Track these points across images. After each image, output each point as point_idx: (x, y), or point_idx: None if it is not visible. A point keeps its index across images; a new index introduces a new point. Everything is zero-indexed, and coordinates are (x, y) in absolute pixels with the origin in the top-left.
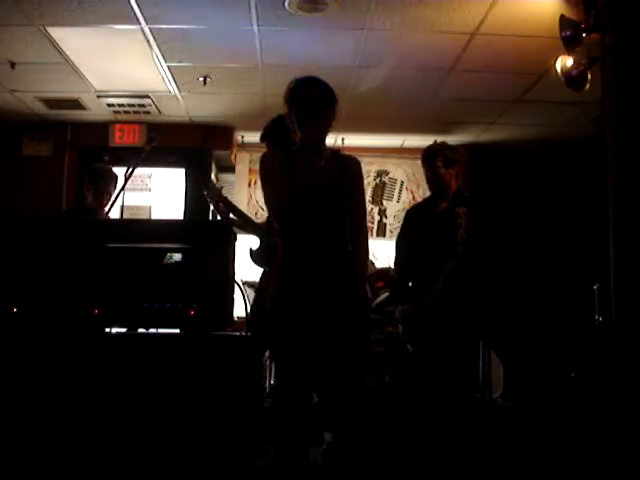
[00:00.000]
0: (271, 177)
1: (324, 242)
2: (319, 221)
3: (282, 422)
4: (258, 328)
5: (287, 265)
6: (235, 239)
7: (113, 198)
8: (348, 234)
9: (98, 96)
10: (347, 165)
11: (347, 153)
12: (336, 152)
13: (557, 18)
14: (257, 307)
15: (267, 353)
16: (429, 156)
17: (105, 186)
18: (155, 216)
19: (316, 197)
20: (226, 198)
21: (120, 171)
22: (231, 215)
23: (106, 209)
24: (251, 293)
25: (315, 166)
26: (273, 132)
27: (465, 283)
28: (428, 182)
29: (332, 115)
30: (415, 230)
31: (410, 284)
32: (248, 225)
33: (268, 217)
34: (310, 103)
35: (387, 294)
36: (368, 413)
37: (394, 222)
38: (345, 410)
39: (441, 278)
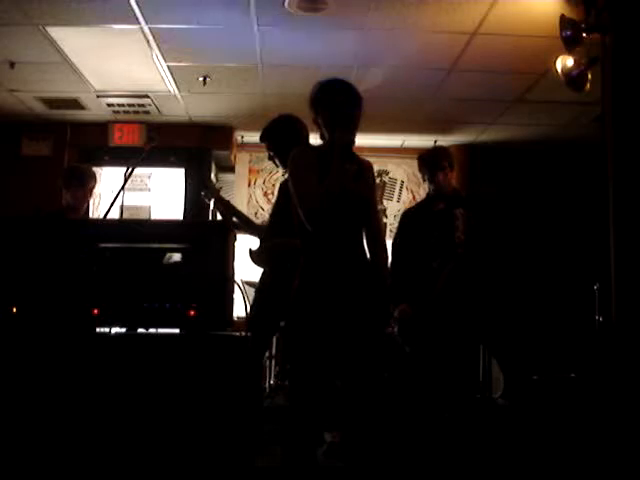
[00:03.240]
0: (307, 177)
1: (347, 245)
2: (344, 225)
3: (294, 422)
4: (258, 328)
5: (313, 265)
6: (235, 239)
7: (113, 198)
8: (370, 238)
9: (98, 96)
10: (365, 171)
11: (362, 157)
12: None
13: (557, 18)
14: (257, 307)
15: (267, 353)
16: (439, 158)
17: (84, 186)
18: (155, 216)
19: (348, 202)
20: (224, 199)
21: (120, 171)
22: (234, 219)
23: (83, 210)
24: (251, 293)
25: (349, 170)
26: (273, 132)
27: (464, 284)
28: (435, 183)
29: (359, 117)
30: (412, 232)
31: (407, 285)
32: (248, 226)
33: (270, 217)
34: (341, 106)
35: None
36: (380, 412)
37: (394, 222)
38: (360, 409)
39: (440, 279)
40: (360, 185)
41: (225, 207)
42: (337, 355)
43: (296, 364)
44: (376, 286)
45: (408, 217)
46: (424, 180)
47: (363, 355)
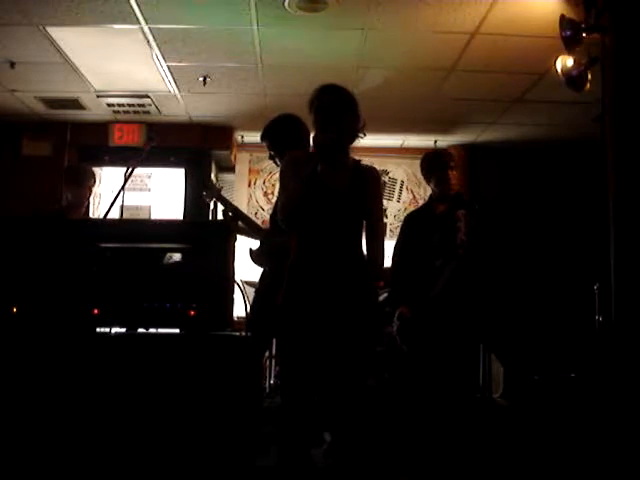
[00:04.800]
0: (287, 179)
1: (333, 245)
2: (327, 226)
3: (286, 422)
4: (258, 328)
5: (297, 266)
6: (235, 239)
7: (113, 198)
8: (365, 240)
9: (98, 96)
10: (365, 175)
11: (367, 164)
12: (357, 161)
13: (557, 18)
14: (257, 307)
15: (267, 353)
16: (447, 159)
17: (83, 185)
18: (155, 216)
19: (324, 202)
20: (225, 198)
21: (120, 171)
22: (239, 223)
23: (84, 208)
24: (251, 293)
25: (327, 171)
26: (274, 132)
27: (465, 285)
28: (442, 185)
29: (352, 120)
30: (414, 235)
31: (409, 286)
32: (249, 226)
33: (271, 217)
34: (326, 108)
35: (387, 294)
36: (369, 413)
37: (394, 222)
38: (347, 410)
39: (441, 279)
40: (347, 184)
41: (227, 207)
42: (326, 356)
43: (285, 366)
44: (365, 286)
45: (410, 220)
46: (429, 183)
47: (350, 356)
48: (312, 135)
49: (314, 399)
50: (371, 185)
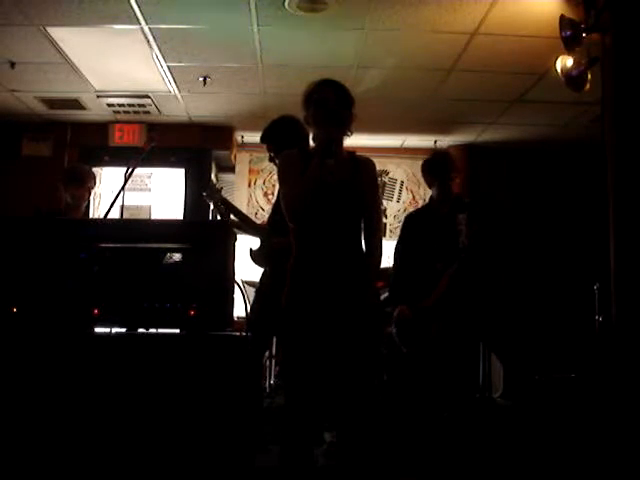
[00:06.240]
0: (289, 177)
1: (337, 242)
2: (332, 221)
3: (290, 422)
4: (258, 328)
5: (301, 264)
6: (235, 239)
7: (113, 198)
8: (364, 235)
9: (98, 96)
10: (362, 167)
11: (362, 155)
12: (352, 153)
13: (557, 18)
14: (257, 307)
15: (267, 353)
16: (449, 167)
17: (83, 185)
18: (155, 216)
19: (328, 198)
20: (226, 199)
21: (120, 171)
22: (232, 216)
23: (83, 210)
24: (251, 293)
25: (328, 166)
26: (273, 133)
27: (466, 287)
28: (444, 190)
29: (349, 116)
30: (416, 235)
31: (409, 287)
32: (248, 226)
33: (269, 217)
34: (326, 103)
35: (387, 294)
36: (373, 413)
37: (394, 222)
38: (352, 410)
39: (442, 281)
40: (346, 179)
41: (227, 207)
42: (330, 357)
43: (290, 366)
44: (366, 284)
45: (412, 220)
46: (430, 187)
47: (358, 356)
48: (312, 130)
49: (318, 399)
50: (370, 176)
